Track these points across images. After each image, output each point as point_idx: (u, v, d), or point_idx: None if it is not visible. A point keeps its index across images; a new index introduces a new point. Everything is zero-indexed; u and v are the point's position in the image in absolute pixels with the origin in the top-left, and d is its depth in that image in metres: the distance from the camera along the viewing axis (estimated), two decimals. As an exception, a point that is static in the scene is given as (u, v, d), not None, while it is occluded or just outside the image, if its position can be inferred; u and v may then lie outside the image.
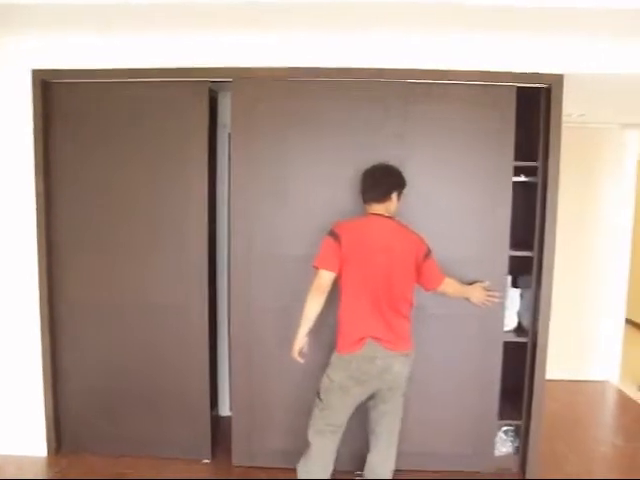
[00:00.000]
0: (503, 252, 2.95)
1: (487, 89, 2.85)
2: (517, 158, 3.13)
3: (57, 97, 3.03)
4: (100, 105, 3.04)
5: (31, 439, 3.19)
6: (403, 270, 2.47)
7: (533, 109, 2.97)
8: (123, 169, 3.06)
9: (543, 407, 3.03)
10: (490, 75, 2.82)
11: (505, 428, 3.19)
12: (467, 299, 2.84)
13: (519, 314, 3.18)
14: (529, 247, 3.01)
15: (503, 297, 2.95)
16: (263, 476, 3.00)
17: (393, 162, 2.68)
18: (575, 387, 4.40)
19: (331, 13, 2.60)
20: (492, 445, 3.09)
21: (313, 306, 2.45)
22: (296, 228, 2.90)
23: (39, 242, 3.06)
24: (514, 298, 3.17)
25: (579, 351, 4.56)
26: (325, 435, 2.51)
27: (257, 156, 2.92)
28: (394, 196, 2.55)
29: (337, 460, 2.57)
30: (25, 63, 2.96)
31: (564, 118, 4.05)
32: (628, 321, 4.95)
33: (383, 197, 2.53)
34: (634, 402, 4.15)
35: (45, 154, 3.04)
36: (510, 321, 3.16)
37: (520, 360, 3.09)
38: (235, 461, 3.10)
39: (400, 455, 2.66)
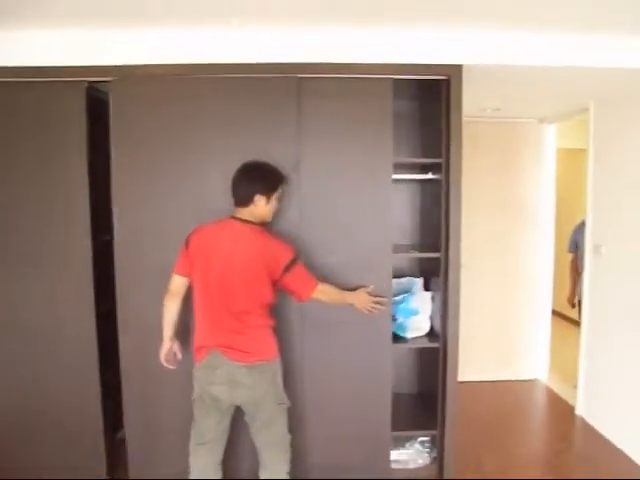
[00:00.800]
0: (386, 255, 2.80)
1: (366, 82, 2.70)
2: (427, 155, 3.05)
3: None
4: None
5: None
6: (248, 280, 2.29)
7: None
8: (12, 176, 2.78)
9: (456, 413, 2.90)
10: (387, 67, 2.67)
11: (421, 439, 3.05)
12: (351, 305, 2.65)
13: (432, 318, 3.04)
14: (438, 248, 2.87)
15: (389, 302, 2.79)
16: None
17: (282, 160, 2.50)
18: (503, 388, 4.31)
19: (214, 5, 2.40)
20: (387, 454, 2.92)
21: (167, 310, 2.43)
22: (181, 236, 2.65)
23: None
24: (426, 301, 3.04)
25: (507, 349, 4.47)
26: (198, 452, 2.43)
27: (138, 163, 2.70)
28: (259, 200, 2.34)
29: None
30: None
31: (479, 113, 4.04)
32: (556, 313, 4.90)
33: (244, 201, 2.35)
34: (563, 401, 4.07)
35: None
36: (423, 325, 3.03)
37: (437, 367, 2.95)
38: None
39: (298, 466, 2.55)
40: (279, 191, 2.43)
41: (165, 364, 2.49)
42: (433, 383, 3.01)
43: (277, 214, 2.51)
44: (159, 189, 2.72)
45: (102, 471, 2.93)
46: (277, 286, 2.35)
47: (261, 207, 2.35)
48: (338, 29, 2.66)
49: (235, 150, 2.61)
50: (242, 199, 2.34)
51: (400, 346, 3.04)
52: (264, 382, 2.33)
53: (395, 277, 3.19)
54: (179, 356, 2.55)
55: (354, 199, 2.76)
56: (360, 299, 2.65)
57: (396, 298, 3.04)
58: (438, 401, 2.93)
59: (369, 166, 2.74)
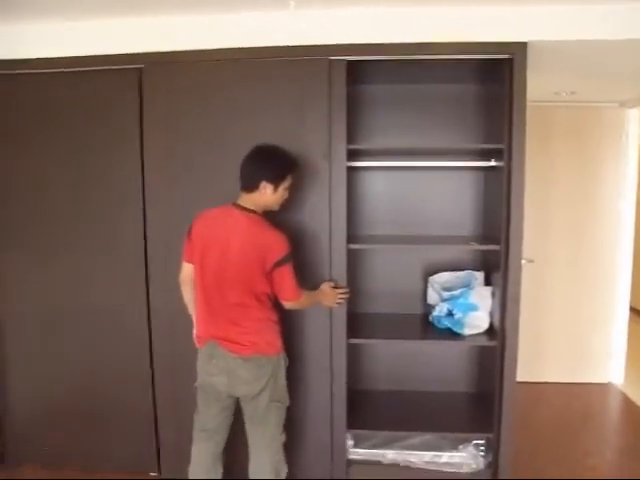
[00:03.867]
0: (341, 246, 2.67)
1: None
2: (490, 141, 2.86)
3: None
4: (26, 99, 2.82)
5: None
6: (242, 271, 2.20)
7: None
8: (52, 166, 2.84)
9: (514, 416, 2.72)
10: (441, 47, 2.51)
11: (476, 442, 2.89)
12: (319, 303, 2.58)
13: (491, 314, 2.86)
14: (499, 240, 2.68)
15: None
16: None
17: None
18: (573, 391, 4.02)
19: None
20: (343, 454, 2.83)
21: (185, 297, 2.43)
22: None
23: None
24: (485, 297, 2.86)
25: (579, 349, 4.16)
26: (199, 441, 2.42)
27: (170, 150, 2.71)
28: (265, 187, 2.23)
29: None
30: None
31: (553, 97, 3.76)
32: (635, 311, 4.53)
33: (249, 187, 2.24)
34: (638, 408, 3.76)
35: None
36: (482, 322, 2.84)
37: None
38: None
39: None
40: (288, 180, 2.31)
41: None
42: (491, 383, 2.83)
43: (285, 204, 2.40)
44: (191, 176, 2.70)
45: (153, 465, 2.96)
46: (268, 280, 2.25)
47: (267, 195, 2.25)
48: (381, 7, 2.52)
49: (266, 136, 2.51)
50: (248, 184, 2.24)
51: (456, 343, 2.90)
52: (262, 377, 2.26)
53: (453, 270, 3.06)
54: None
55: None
56: (327, 295, 2.58)
57: (454, 292, 2.88)
58: (495, 402, 2.75)
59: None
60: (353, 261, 3.10)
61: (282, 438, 2.39)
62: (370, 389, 3.25)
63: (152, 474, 2.96)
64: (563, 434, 3.41)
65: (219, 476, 2.44)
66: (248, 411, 2.34)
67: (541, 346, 4.04)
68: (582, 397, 3.95)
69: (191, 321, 2.45)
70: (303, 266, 2.56)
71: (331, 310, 2.69)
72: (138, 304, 2.82)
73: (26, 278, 2.94)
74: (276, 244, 2.21)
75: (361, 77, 2.90)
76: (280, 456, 2.38)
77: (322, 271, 2.68)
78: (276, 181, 2.24)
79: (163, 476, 2.92)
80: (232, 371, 2.25)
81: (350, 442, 2.88)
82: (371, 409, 3.07)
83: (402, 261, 3.25)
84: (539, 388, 3.98)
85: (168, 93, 2.67)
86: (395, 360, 3.27)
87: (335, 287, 2.63)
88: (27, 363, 3.00)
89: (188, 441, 2.47)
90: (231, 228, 2.22)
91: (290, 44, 2.57)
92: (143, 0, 2.45)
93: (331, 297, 2.59)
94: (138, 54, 2.65)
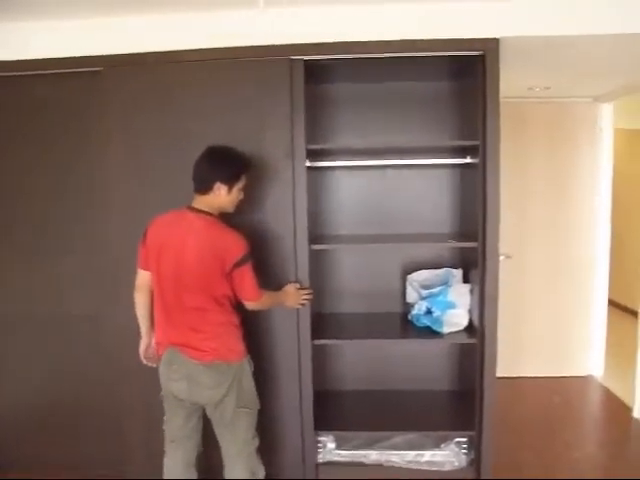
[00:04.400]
0: (303, 247, 2.65)
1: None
2: (465, 137, 2.86)
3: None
4: (2, 101, 2.78)
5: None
6: (200, 274, 2.15)
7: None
8: (26, 168, 2.82)
9: (495, 413, 2.71)
10: (412, 44, 2.50)
11: (458, 439, 2.88)
12: (282, 304, 2.55)
13: (470, 312, 2.86)
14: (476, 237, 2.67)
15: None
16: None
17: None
18: (553, 384, 4.04)
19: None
20: (313, 457, 2.82)
21: (137, 305, 2.37)
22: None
23: None
24: (464, 294, 2.85)
25: (558, 343, 4.19)
26: (170, 452, 2.37)
27: (132, 153, 2.67)
28: (219, 188, 2.19)
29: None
30: None
31: (527, 93, 3.77)
32: (614, 304, 4.57)
33: (203, 189, 2.20)
34: (619, 401, 3.78)
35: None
36: (461, 320, 2.84)
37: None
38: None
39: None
40: (243, 181, 2.27)
41: (145, 361, 2.42)
42: (471, 381, 2.83)
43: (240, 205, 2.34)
44: (156, 178, 2.66)
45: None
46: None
47: (222, 197, 2.20)
48: (348, 5, 2.50)
49: (227, 136, 2.49)
50: (201, 186, 2.20)
51: (436, 341, 2.89)
52: (224, 383, 2.20)
53: (432, 268, 3.05)
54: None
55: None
56: (290, 296, 2.54)
57: (433, 290, 2.87)
58: (476, 400, 2.75)
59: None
60: (329, 261, 3.12)
61: (255, 442, 2.34)
62: (351, 389, 3.23)
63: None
64: (544, 428, 3.42)
65: None
66: (215, 418, 2.29)
67: (520, 341, 4.05)
68: (562, 391, 3.97)
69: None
70: (267, 267, 2.57)
71: (298, 311, 2.66)
72: (110, 309, 2.75)
73: (4, 281, 2.89)
74: (234, 245, 2.17)
75: (329, 76, 2.92)
76: (254, 461, 2.34)
77: (287, 272, 2.65)
78: (230, 182, 2.20)
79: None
80: (193, 377, 2.20)
81: (332, 444, 2.86)
82: (352, 410, 3.06)
83: (380, 260, 3.24)
84: (519, 383, 4.00)
85: (129, 95, 2.63)
86: (376, 360, 3.26)
87: (300, 288, 2.59)
88: (6, 368, 2.96)
89: (158, 448, 2.42)
90: (186, 231, 2.17)
91: (252, 44, 2.54)
92: (104, 1, 2.42)
93: (294, 298, 2.55)
94: (98, 56, 2.61)
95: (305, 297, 2.59)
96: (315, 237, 2.81)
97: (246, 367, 2.29)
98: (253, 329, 2.51)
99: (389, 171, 3.14)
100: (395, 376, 3.24)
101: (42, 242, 2.84)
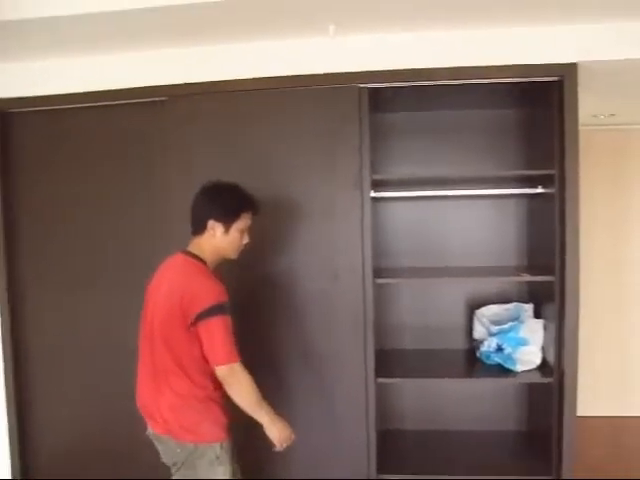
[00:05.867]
0: (368, 280, 2.55)
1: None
2: (534, 166, 2.75)
3: (16, 127, 2.82)
4: (64, 133, 2.80)
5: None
6: (162, 328, 1.89)
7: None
8: (91, 199, 2.80)
9: (574, 458, 2.53)
10: (486, 70, 2.43)
11: (532, 485, 2.70)
12: (261, 425, 1.95)
13: (544, 349, 2.70)
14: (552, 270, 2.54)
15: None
16: None
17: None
18: (627, 425, 3.81)
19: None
20: None
21: None
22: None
23: (-1, 275, 2.81)
24: (537, 331, 2.71)
25: (626, 381, 3.97)
26: None
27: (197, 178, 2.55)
28: (214, 227, 1.96)
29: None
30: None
31: (590, 120, 3.64)
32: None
33: (197, 228, 1.99)
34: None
35: (3, 186, 2.81)
36: (533, 357, 2.69)
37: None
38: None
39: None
40: (244, 220, 2.02)
41: None
42: (545, 421, 2.67)
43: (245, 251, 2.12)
44: None
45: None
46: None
47: (217, 237, 1.96)
48: (419, 32, 2.46)
49: (295, 166, 2.49)
50: (195, 225, 1.99)
51: (508, 380, 2.74)
52: (173, 458, 1.96)
53: (498, 302, 2.92)
54: None
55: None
56: (280, 429, 1.97)
57: (503, 326, 2.73)
58: (552, 444, 2.57)
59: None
60: (389, 295, 3.00)
61: None
62: (412, 429, 3.09)
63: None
64: (619, 469, 3.20)
65: None
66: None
67: (589, 378, 3.84)
68: (634, 430, 3.73)
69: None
70: (333, 302, 2.52)
71: (365, 347, 2.55)
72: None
73: (59, 310, 2.87)
74: (202, 293, 1.84)
75: (390, 105, 2.85)
76: None
77: (354, 307, 2.55)
78: (227, 220, 1.96)
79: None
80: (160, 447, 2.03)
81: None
82: (415, 451, 2.91)
83: (442, 294, 3.13)
84: (587, 422, 3.77)
85: (194, 125, 2.61)
86: (436, 397, 3.11)
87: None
88: (57, 403, 2.90)
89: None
90: (162, 279, 1.98)
91: (320, 72, 2.51)
92: (165, 33, 2.43)
93: (284, 435, 1.98)
94: (163, 86, 2.60)
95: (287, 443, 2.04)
96: (375, 270, 2.71)
97: (207, 454, 1.90)
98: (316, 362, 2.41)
99: (450, 202, 3.03)
100: (457, 415, 3.08)
101: (103, 275, 2.81)
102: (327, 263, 2.55)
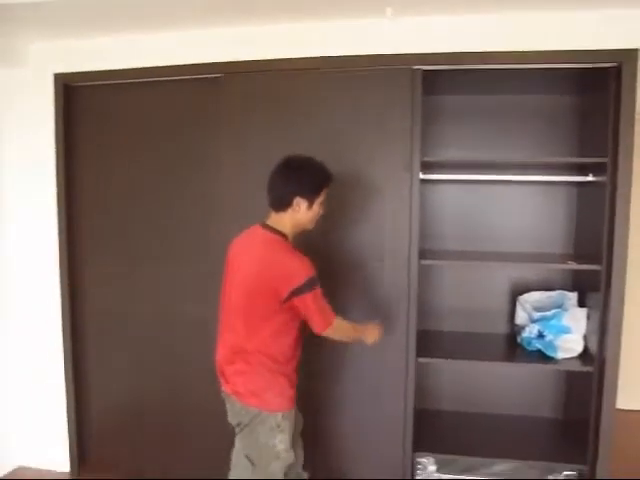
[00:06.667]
0: (414, 262, 2.57)
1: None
2: (585, 153, 2.72)
3: (79, 101, 2.93)
4: (123, 108, 2.91)
5: (54, 453, 3.09)
6: (252, 301, 1.97)
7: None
8: (147, 174, 2.90)
9: (611, 449, 2.53)
10: (540, 55, 2.40)
11: (567, 472, 2.71)
12: (360, 338, 2.28)
13: (586, 338, 2.69)
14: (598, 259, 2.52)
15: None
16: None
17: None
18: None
19: None
20: (412, 475, 2.72)
21: None
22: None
23: (60, 249, 2.96)
24: (580, 319, 2.69)
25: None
26: None
27: (249, 157, 2.68)
28: (299, 204, 2.01)
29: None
30: (47, 66, 2.87)
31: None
32: None
33: (281, 204, 2.02)
34: None
35: (67, 159, 2.94)
36: (575, 346, 2.68)
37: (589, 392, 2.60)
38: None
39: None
40: (324, 194, 2.08)
41: None
42: (582, 410, 2.67)
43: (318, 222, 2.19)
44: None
45: None
46: (287, 314, 2.00)
47: (301, 213, 2.02)
48: (476, 15, 2.44)
49: (344, 147, 2.53)
50: (278, 201, 2.03)
51: (548, 367, 2.76)
52: (236, 419, 2.09)
53: (541, 289, 2.91)
54: None
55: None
56: (370, 332, 2.28)
57: (546, 313, 2.73)
58: (589, 433, 2.58)
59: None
60: (433, 277, 3.02)
61: None
62: (449, 410, 3.13)
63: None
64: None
65: None
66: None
67: (629, 370, 3.79)
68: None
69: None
70: (381, 283, 2.56)
71: (407, 327, 2.60)
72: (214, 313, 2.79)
73: (112, 284, 2.98)
74: (292, 272, 1.94)
75: (441, 87, 2.84)
76: None
77: (399, 288, 2.59)
78: (311, 196, 2.02)
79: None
80: (229, 406, 2.14)
81: (433, 467, 2.76)
82: (452, 432, 2.94)
83: (485, 278, 3.12)
84: (628, 416, 3.74)
85: (248, 102, 2.66)
86: (474, 380, 3.13)
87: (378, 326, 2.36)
88: (110, 369, 3.05)
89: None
90: (248, 252, 2.04)
91: (374, 53, 2.52)
92: (223, 10, 2.45)
93: (374, 334, 2.29)
94: (219, 63, 2.65)
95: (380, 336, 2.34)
96: (421, 252, 2.74)
97: (268, 421, 2.02)
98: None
99: (500, 186, 3.02)
100: (495, 399, 3.10)
101: (157, 248, 2.91)
102: (375, 243, 2.59)
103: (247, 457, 2.07)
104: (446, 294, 3.11)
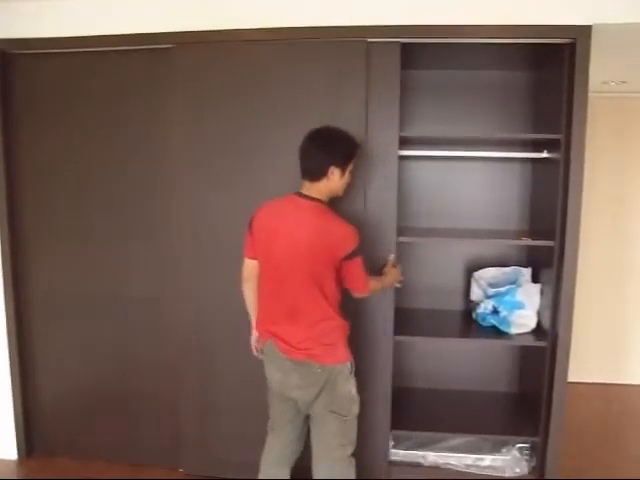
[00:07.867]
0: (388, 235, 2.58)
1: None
2: (541, 130, 2.73)
3: (18, 70, 2.76)
4: (67, 78, 2.75)
5: (1, 441, 2.98)
6: (310, 266, 2.04)
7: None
8: (94, 149, 2.77)
9: (563, 421, 2.59)
10: (498, 29, 2.37)
11: (520, 445, 2.77)
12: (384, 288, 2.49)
13: (539, 313, 2.73)
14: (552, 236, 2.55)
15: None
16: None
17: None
18: (614, 392, 3.89)
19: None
20: (384, 453, 2.73)
21: (246, 297, 2.29)
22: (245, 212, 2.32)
23: (1, 228, 2.81)
24: (533, 294, 2.73)
25: (617, 349, 4.04)
26: (269, 433, 2.33)
27: (200, 129, 2.60)
28: (333, 173, 2.08)
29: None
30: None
31: (600, 87, 3.57)
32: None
33: (317, 174, 2.08)
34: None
35: (5, 132, 2.78)
36: (528, 321, 2.72)
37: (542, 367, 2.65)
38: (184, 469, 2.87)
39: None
40: (353, 162, 2.17)
41: (255, 353, 2.30)
42: (535, 384, 2.72)
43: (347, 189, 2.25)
44: (220, 160, 2.60)
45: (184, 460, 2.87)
46: (338, 275, 2.10)
47: (335, 181, 2.10)
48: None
49: (301, 119, 2.40)
50: (314, 172, 2.08)
51: (502, 342, 2.78)
52: (315, 385, 2.09)
53: (497, 265, 2.93)
54: None
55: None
56: (390, 276, 2.48)
57: (500, 289, 2.76)
58: (542, 406, 2.63)
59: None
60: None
61: (345, 450, 2.17)
62: (408, 387, 3.14)
63: (180, 470, 2.88)
64: (606, 436, 3.29)
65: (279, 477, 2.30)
66: (308, 419, 2.22)
67: (579, 344, 3.89)
68: (624, 398, 3.81)
69: (235, 314, 2.42)
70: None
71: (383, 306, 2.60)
72: (170, 294, 2.74)
73: (61, 264, 2.88)
74: (347, 238, 2.06)
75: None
76: (342, 469, 2.17)
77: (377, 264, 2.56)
78: (344, 164, 2.12)
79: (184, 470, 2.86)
80: (285, 373, 2.13)
81: (390, 443, 2.77)
82: (410, 408, 2.96)
83: (442, 255, 3.13)
84: (577, 388, 3.84)
85: (199, 74, 2.57)
86: (433, 357, 3.17)
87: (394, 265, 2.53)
88: (57, 352, 2.95)
89: (212, 438, 2.51)
90: (297, 219, 2.06)
91: (327, 25, 2.45)
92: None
93: (394, 276, 2.50)
94: (170, 33, 2.55)
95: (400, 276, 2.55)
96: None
97: (344, 371, 2.14)
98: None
99: (455, 162, 3.01)
100: (453, 375, 3.15)
101: (104, 224, 2.81)
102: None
103: (334, 412, 2.13)
104: (407, 273, 3.10)
